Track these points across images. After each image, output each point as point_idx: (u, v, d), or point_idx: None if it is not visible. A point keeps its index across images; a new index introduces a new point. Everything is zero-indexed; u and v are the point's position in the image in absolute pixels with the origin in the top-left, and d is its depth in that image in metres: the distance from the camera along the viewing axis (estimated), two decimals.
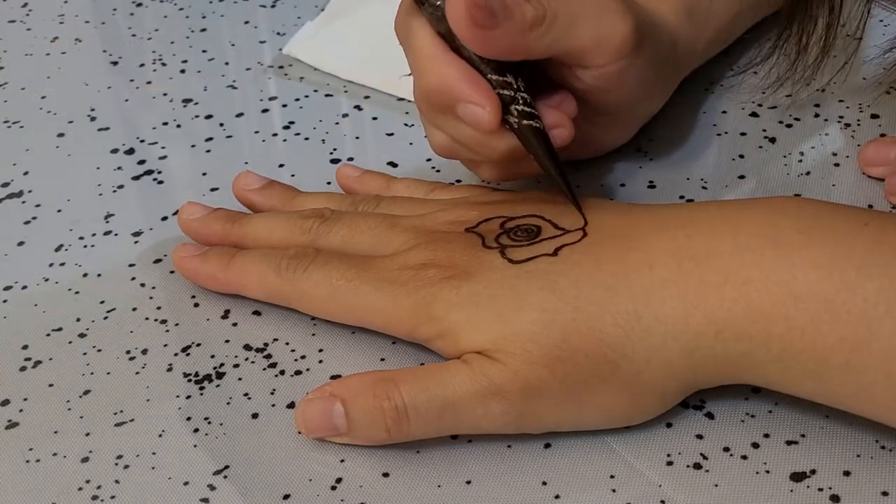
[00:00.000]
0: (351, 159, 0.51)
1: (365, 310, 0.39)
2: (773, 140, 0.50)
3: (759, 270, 0.34)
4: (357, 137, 0.54)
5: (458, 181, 0.49)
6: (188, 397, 0.39)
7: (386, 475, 0.36)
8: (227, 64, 0.60)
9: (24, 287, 0.45)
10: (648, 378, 0.35)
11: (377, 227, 0.42)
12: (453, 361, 0.36)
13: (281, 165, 0.51)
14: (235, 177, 0.47)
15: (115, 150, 0.53)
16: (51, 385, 0.40)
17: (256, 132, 0.54)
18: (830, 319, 0.33)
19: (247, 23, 0.64)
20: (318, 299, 0.40)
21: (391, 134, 0.53)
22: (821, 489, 0.34)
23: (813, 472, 0.35)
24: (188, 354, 0.41)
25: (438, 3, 0.39)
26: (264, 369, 0.40)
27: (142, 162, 0.52)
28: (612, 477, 0.35)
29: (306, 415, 0.37)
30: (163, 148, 0.53)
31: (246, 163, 0.52)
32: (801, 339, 0.33)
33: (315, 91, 0.57)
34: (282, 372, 0.40)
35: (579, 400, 0.36)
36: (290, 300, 0.41)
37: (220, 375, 0.40)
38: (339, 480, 0.36)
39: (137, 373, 0.40)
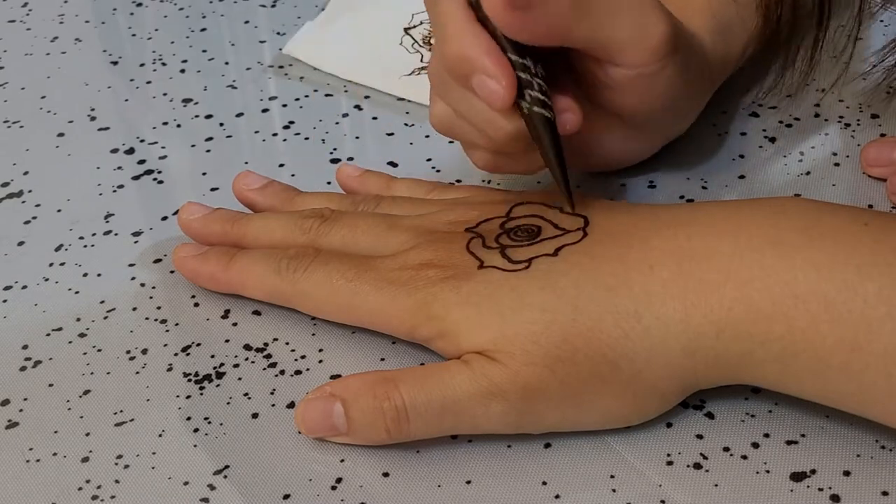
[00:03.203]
0: (351, 159, 0.51)
1: (365, 310, 0.39)
2: (773, 140, 0.50)
3: (760, 270, 0.34)
4: (357, 137, 0.54)
5: (458, 181, 0.49)
6: (188, 397, 0.39)
7: (386, 475, 0.36)
8: (227, 64, 0.60)
9: (24, 287, 0.45)
10: (649, 378, 0.35)
11: (377, 227, 0.42)
12: (453, 361, 0.36)
13: (281, 165, 0.51)
14: (235, 176, 0.47)
15: (115, 150, 0.53)
16: (51, 385, 0.40)
17: (256, 132, 0.54)
18: (830, 320, 0.33)
19: (247, 22, 0.64)
20: (318, 299, 0.40)
21: (391, 134, 0.53)
22: (821, 489, 0.34)
23: (813, 471, 0.35)
24: (188, 354, 0.41)
25: None
26: (264, 369, 0.40)
27: (142, 162, 0.52)
28: (612, 477, 0.35)
29: (306, 415, 0.37)
30: (163, 148, 0.53)
31: (246, 163, 0.52)
32: (802, 339, 0.33)
33: (315, 91, 0.57)
34: (282, 372, 0.40)
35: (579, 400, 0.36)
36: (290, 300, 0.41)
37: (220, 375, 0.40)
38: (339, 480, 0.36)
39: (137, 373, 0.40)
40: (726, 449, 0.36)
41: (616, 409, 0.36)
